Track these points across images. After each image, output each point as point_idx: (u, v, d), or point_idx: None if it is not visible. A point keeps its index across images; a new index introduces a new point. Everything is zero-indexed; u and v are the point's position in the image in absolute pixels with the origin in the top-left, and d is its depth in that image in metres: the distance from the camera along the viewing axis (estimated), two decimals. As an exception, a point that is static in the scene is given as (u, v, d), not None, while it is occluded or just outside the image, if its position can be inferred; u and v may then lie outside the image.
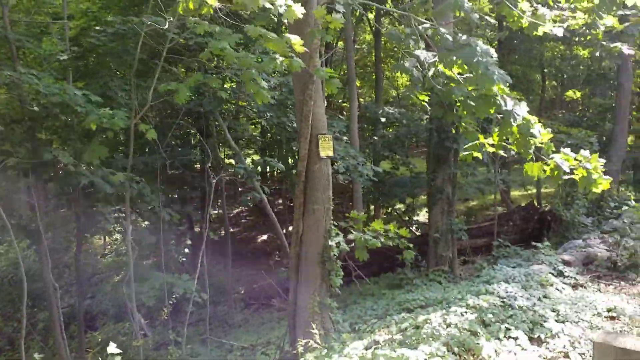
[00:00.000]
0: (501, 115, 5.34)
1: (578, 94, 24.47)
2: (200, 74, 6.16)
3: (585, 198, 14.74)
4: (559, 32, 6.11)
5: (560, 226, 14.09)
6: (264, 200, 9.34)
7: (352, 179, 12.88)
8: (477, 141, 5.71)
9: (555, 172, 5.21)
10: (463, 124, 6.40)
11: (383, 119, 17.40)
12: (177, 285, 9.43)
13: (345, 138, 13.28)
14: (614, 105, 17.52)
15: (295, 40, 5.11)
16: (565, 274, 9.20)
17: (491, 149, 6.06)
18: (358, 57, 28.04)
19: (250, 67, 5.61)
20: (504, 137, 5.38)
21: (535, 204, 18.21)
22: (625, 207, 11.12)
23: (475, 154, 5.71)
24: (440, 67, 5.49)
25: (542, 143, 5.31)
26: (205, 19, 6.30)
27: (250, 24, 6.23)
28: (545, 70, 22.97)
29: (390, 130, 18.58)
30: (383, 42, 21.60)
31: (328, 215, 8.02)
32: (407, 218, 19.73)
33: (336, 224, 8.19)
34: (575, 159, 5.28)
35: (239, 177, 10.45)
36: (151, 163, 10.80)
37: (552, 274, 9.02)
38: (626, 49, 8.56)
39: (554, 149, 5.46)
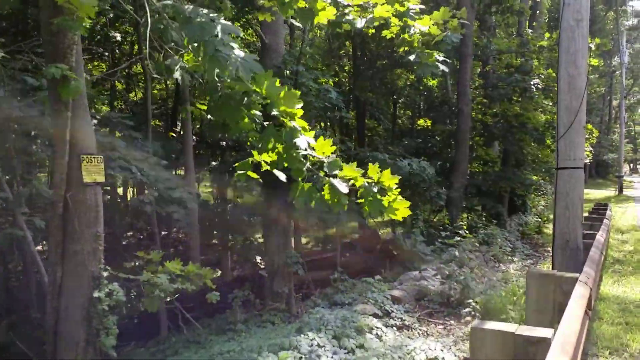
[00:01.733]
0: (267, 122, 4.07)
1: (429, 122, 24.91)
2: None
3: (429, 224, 14.32)
4: (360, 23, 5.11)
5: (401, 256, 13.43)
6: (28, 238, 7.35)
7: (168, 212, 11.17)
8: (249, 158, 4.35)
9: (336, 198, 3.99)
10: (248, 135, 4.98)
11: (223, 143, 15.95)
12: None
13: (165, 162, 11.58)
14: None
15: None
16: (392, 313, 8.22)
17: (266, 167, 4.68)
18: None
19: None
20: (271, 150, 4.06)
21: (390, 231, 17.66)
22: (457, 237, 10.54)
23: (250, 174, 4.33)
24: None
25: (323, 158, 4.06)
26: None
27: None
28: (394, 97, 23.01)
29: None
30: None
31: (96, 258, 6.30)
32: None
33: (108, 267, 6.47)
34: (367, 176, 4.09)
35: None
36: None
37: (377, 314, 7.99)
38: (442, 59, 7.81)
39: (341, 165, 4.19)
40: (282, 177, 4.14)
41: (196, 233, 14.36)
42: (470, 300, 8.15)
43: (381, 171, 4.12)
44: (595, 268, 6.01)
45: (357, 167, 4.15)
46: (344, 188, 3.85)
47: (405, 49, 8.20)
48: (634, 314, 6.59)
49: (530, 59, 16.92)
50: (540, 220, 21.31)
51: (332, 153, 4.14)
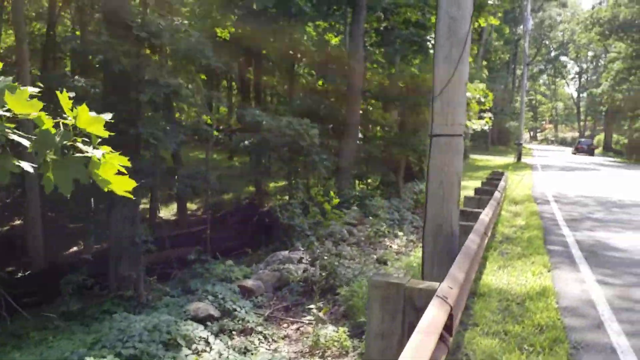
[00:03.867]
0: None
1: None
2: None
3: (310, 195, 12.81)
4: None
5: (280, 230, 11.86)
6: None
7: None
8: None
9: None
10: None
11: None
12: None
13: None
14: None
15: None
16: (235, 312, 6.57)
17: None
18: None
19: None
20: None
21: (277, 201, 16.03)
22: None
23: None
24: None
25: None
26: None
27: None
28: (291, 52, 21.13)
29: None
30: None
31: None
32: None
33: None
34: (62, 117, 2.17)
35: None
36: None
37: (213, 315, 6.31)
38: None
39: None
40: None
41: (35, 198, 12.03)
42: (313, 307, 6.59)
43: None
44: (468, 266, 4.61)
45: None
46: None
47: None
48: (515, 317, 5.33)
49: (431, 14, 15.56)
50: (437, 188, 20.53)
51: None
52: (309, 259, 8.69)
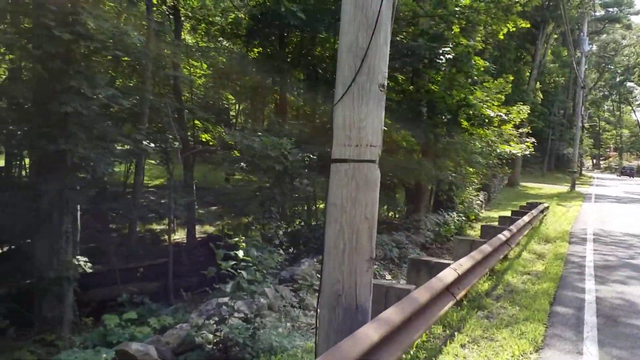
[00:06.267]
0: None
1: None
2: None
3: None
4: None
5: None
6: None
7: None
8: None
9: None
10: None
11: None
12: None
13: None
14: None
15: None
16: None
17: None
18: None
19: None
20: None
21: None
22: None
23: None
24: None
25: None
26: None
27: None
28: (311, 67, 19.48)
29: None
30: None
31: None
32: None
33: None
34: None
35: None
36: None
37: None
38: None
39: None
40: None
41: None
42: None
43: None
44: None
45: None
46: None
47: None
48: None
49: (449, 21, 13.51)
50: (465, 218, 18.32)
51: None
52: (248, 312, 6.92)
